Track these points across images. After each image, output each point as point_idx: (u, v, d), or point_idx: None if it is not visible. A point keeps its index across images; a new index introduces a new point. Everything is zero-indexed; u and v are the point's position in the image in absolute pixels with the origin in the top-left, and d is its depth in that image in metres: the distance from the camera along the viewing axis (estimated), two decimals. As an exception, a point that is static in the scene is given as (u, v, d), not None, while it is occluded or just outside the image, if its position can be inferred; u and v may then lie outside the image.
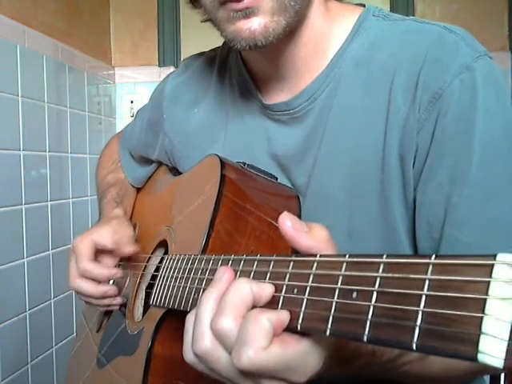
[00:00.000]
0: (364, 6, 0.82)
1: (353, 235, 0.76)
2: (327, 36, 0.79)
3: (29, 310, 1.73)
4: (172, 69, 2.39)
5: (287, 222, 0.47)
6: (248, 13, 0.68)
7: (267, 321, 0.43)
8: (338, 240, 0.76)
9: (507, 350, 0.26)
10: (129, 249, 0.92)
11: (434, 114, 0.68)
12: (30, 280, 1.72)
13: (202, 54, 1.02)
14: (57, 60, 1.92)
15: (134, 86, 2.47)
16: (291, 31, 0.74)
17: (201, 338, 0.48)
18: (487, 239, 0.67)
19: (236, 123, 0.89)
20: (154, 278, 0.85)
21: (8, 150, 1.62)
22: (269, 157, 0.84)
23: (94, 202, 2.14)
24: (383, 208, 0.74)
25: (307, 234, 0.47)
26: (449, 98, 0.67)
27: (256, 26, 0.69)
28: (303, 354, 0.45)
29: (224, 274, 0.50)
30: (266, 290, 0.47)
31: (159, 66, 2.44)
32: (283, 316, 0.44)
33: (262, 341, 0.43)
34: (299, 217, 0.77)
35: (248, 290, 0.46)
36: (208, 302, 0.49)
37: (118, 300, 0.93)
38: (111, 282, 0.94)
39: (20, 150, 1.67)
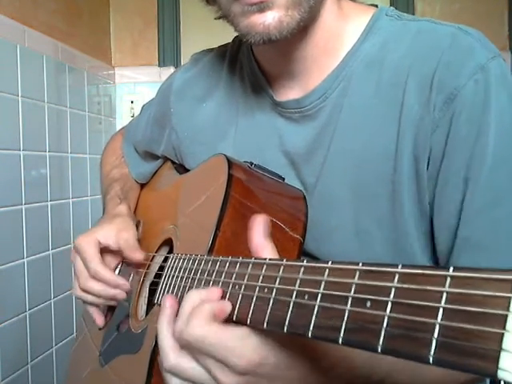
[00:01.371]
0: (377, 6, 0.82)
1: (360, 235, 0.76)
2: (339, 35, 0.79)
3: (29, 310, 1.73)
4: (172, 69, 2.38)
5: (262, 225, 0.55)
6: (262, 7, 0.68)
7: (209, 306, 0.53)
8: (345, 239, 0.77)
9: None
10: (137, 255, 0.92)
11: (449, 114, 0.68)
12: (30, 280, 1.72)
13: (211, 49, 1.01)
14: (57, 60, 1.92)
15: (133, 86, 2.47)
16: (304, 27, 0.74)
17: (166, 358, 0.56)
18: (498, 239, 0.67)
19: (246, 119, 0.89)
20: (157, 276, 0.85)
21: (8, 149, 1.62)
22: (280, 154, 0.84)
23: (94, 201, 2.14)
24: (393, 209, 0.73)
25: (267, 239, 0.55)
26: (463, 98, 0.67)
27: (270, 20, 0.68)
28: (241, 336, 0.51)
29: (166, 301, 0.61)
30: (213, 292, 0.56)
31: (159, 66, 2.44)
32: (226, 305, 0.53)
33: (203, 320, 0.52)
34: (306, 217, 0.78)
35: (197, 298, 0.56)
36: (162, 328, 0.58)
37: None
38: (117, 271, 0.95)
39: (20, 150, 1.67)
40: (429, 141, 0.70)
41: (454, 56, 0.69)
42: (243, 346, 0.51)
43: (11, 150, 1.63)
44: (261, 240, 0.55)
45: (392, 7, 0.81)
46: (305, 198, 0.80)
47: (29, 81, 1.71)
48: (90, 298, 0.93)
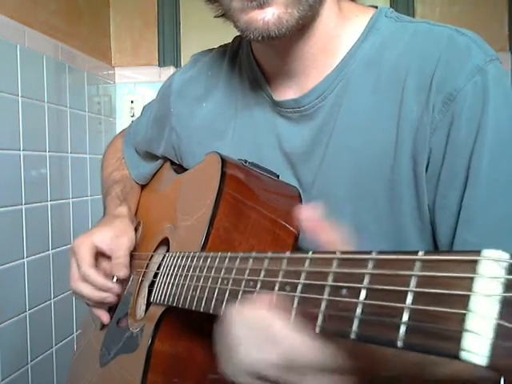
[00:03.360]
0: (376, 7, 0.82)
1: (360, 232, 0.75)
2: (339, 35, 0.79)
3: (29, 310, 1.73)
4: (172, 69, 2.40)
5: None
6: (262, 2, 0.68)
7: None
8: None
9: (492, 348, 0.25)
10: (121, 273, 0.91)
11: (448, 116, 0.68)
12: (30, 280, 1.72)
13: (211, 49, 1.01)
14: (57, 60, 1.92)
15: (134, 85, 2.47)
16: (303, 26, 0.75)
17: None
18: (496, 239, 0.66)
19: (245, 118, 0.89)
20: (156, 275, 0.85)
21: (8, 149, 1.62)
22: (278, 154, 0.84)
23: (94, 201, 2.14)
24: (391, 208, 0.74)
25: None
26: (462, 100, 0.68)
27: (270, 16, 0.69)
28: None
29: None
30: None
31: (159, 66, 2.44)
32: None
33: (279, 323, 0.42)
34: None
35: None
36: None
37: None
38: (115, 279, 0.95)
39: (20, 149, 1.67)
40: (428, 142, 0.70)
41: (452, 56, 0.70)
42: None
43: (11, 150, 1.64)
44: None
45: (391, 9, 0.81)
46: (299, 194, 0.80)
47: (29, 81, 1.72)
48: (83, 299, 0.94)
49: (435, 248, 0.74)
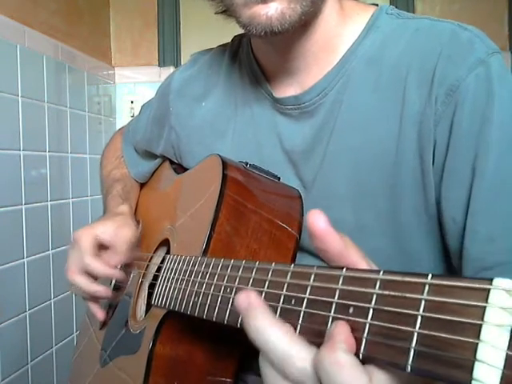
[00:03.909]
0: (377, 5, 0.82)
1: (361, 231, 0.76)
2: (340, 33, 0.80)
3: (29, 310, 1.73)
4: (172, 69, 2.38)
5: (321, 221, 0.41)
6: None
7: (343, 353, 0.34)
8: (345, 234, 0.76)
9: (501, 379, 0.25)
10: (119, 257, 0.92)
11: (451, 107, 0.68)
12: (30, 280, 1.72)
13: (211, 49, 1.01)
14: (57, 60, 1.92)
15: (133, 85, 2.47)
16: (305, 23, 0.74)
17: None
18: (507, 231, 0.67)
19: (245, 115, 0.89)
20: (156, 277, 0.85)
21: (8, 149, 1.62)
22: (279, 152, 0.84)
23: (94, 201, 2.14)
24: (392, 205, 0.74)
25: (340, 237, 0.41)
26: (465, 91, 0.68)
27: (273, 11, 0.68)
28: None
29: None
30: None
31: (159, 66, 2.43)
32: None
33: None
34: (301, 215, 0.78)
35: None
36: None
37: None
38: (113, 281, 0.95)
39: (20, 150, 1.67)
40: (432, 134, 0.70)
41: (454, 50, 0.70)
42: None
43: (11, 150, 1.63)
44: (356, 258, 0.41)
45: (392, 6, 0.82)
46: (300, 197, 0.80)
47: (29, 81, 1.71)
48: (76, 291, 0.94)
49: (442, 242, 0.75)
